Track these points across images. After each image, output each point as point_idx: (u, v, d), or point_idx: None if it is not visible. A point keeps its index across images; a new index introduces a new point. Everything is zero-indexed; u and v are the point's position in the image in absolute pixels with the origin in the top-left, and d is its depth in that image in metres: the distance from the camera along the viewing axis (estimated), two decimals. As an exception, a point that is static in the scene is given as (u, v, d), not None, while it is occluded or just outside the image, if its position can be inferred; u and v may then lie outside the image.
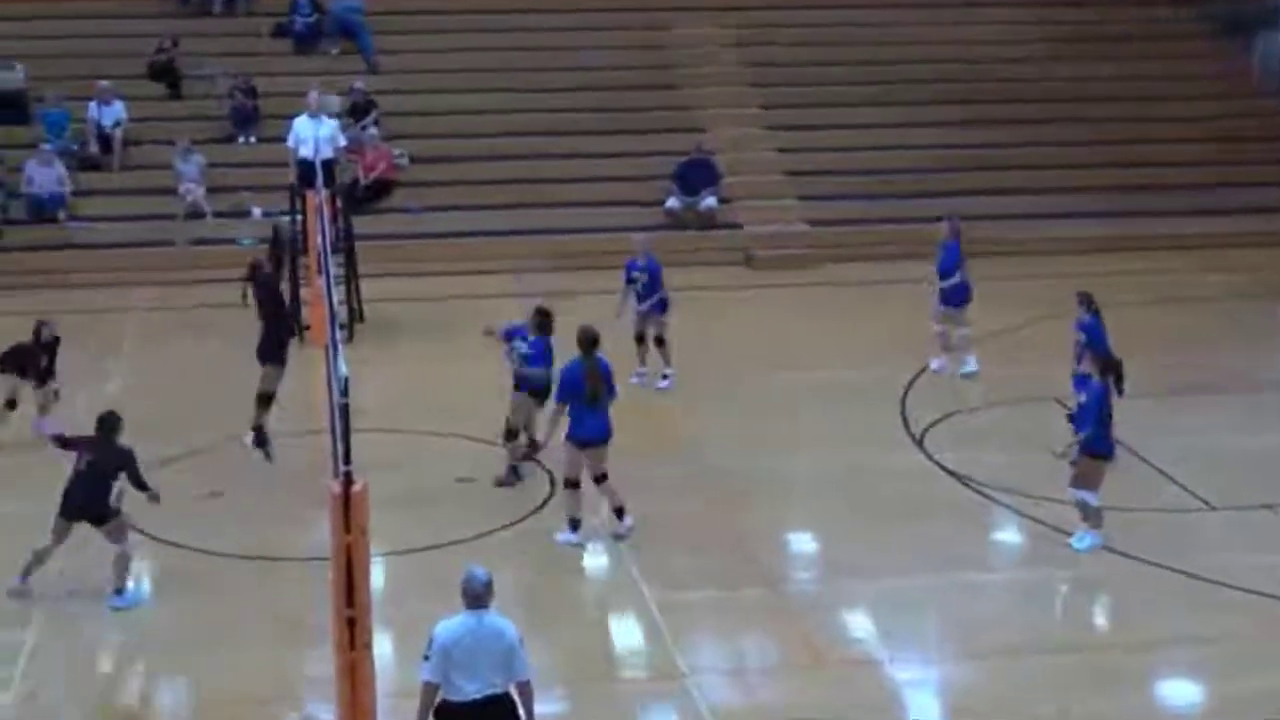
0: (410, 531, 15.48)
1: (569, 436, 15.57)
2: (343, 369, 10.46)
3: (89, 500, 14.29)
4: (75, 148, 27.49)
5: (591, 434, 15.47)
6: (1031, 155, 29.38)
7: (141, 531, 15.26)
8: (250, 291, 17.91)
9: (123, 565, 14.34)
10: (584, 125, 29.07)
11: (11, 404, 18.32)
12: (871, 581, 14.85)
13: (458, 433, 18.47)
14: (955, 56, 30.94)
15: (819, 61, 30.79)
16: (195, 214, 26.60)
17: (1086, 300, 18.04)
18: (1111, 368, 15.78)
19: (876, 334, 22.57)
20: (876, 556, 15.36)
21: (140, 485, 14.50)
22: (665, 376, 20.18)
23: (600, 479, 15.61)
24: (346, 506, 9.95)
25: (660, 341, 20.26)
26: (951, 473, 17.41)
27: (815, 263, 26.75)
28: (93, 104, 27.61)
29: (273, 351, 17.56)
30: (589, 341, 15.58)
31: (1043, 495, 16.29)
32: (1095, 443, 15.30)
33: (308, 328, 21.59)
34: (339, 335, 13.34)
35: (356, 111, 27.72)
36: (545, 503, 16.62)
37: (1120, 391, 15.80)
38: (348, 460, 9.99)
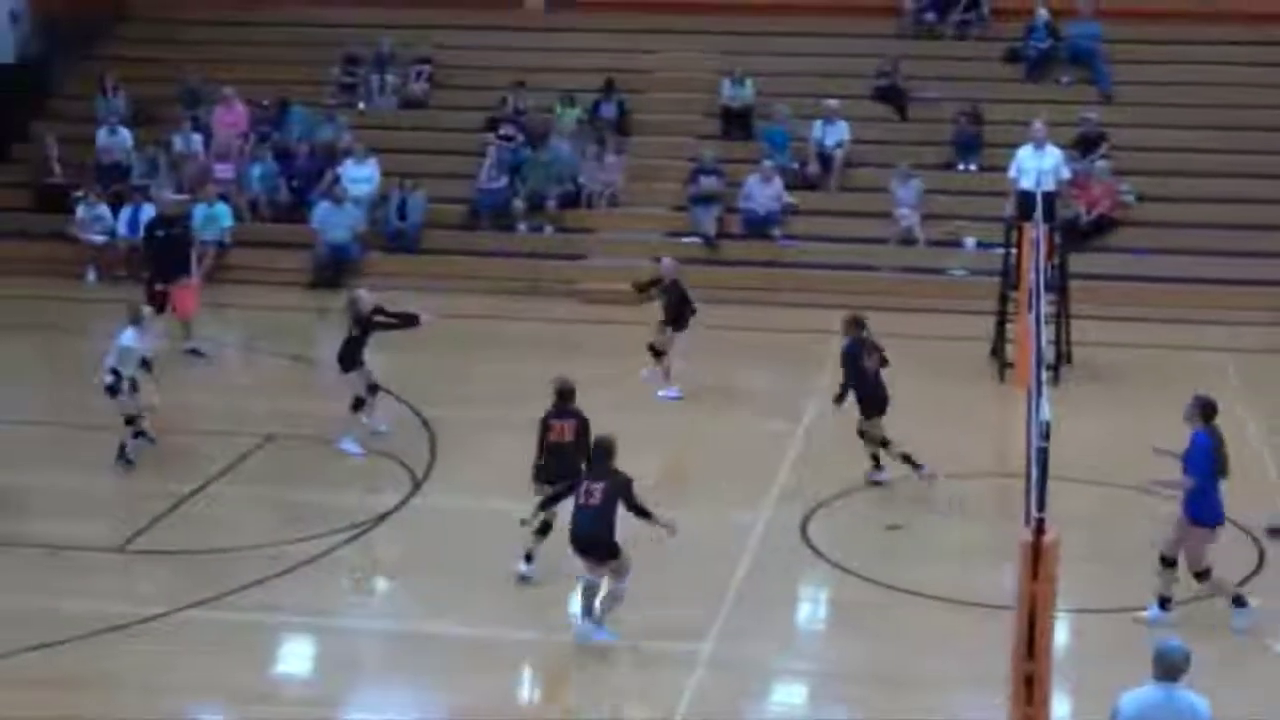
0: (1097, 591, 14.60)
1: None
2: (1045, 412, 10.47)
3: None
4: (795, 166, 27.52)
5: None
6: None
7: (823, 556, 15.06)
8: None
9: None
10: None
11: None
12: None
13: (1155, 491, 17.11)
14: None
15: None
16: (907, 240, 26.13)
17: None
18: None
19: None
20: None
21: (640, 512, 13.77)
22: None
23: None
24: (1036, 555, 9.82)
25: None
26: None
27: None
28: (817, 123, 27.61)
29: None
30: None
31: None
32: None
33: (1010, 365, 20.96)
34: (1044, 376, 12.88)
35: (1085, 143, 26.49)
36: (1250, 576, 15.32)
37: None
38: (1041, 508, 9.84)
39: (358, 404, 18.84)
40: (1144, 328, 23.53)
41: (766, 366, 21.96)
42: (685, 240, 26.85)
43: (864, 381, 17.36)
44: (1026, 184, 22.37)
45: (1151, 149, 27.48)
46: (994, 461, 18.34)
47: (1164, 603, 14.26)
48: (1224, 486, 14.18)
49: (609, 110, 28.77)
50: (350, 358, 18.82)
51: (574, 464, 14.67)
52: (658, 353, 20.91)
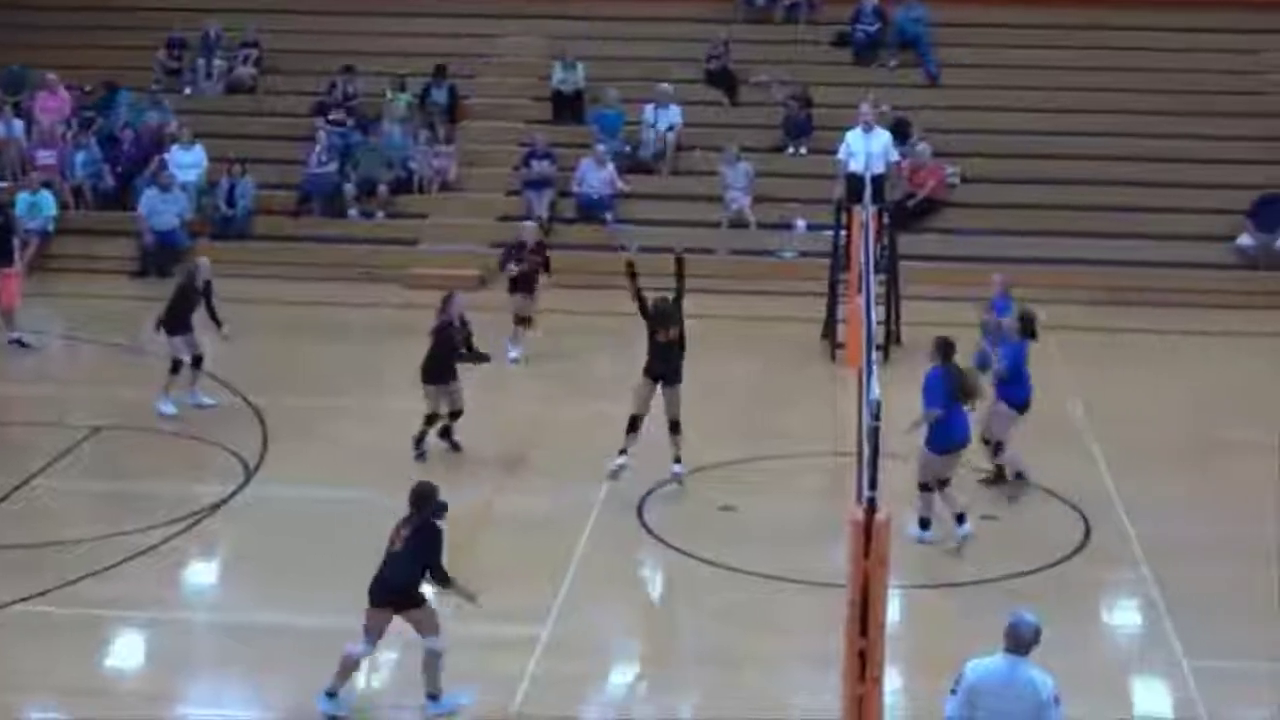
0: (928, 565, 14.96)
1: None
2: (876, 392, 10.52)
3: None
4: (627, 150, 27.57)
5: None
6: None
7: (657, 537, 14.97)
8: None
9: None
10: (1147, 151, 27.43)
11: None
12: None
13: (986, 466, 17.49)
14: None
15: None
16: (738, 223, 26.29)
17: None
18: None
19: None
20: None
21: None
22: None
23: None
24: (868, 534, 9.81)
25: None
26: None
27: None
28: (649, 107, 27.66)
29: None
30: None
31: None
32: None
33: (842, 346, 21.14)
34: (874, 356, 12.96)
35: (897, 131, 26.61)
36: (1078, 549, 15.72)
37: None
38: (873, 486, 9.84)
39: (176, 366, 18.97)
40: (971, 307, 23.83)
41: (601, 349, 21.97)
42: (518, 224, 26.77)
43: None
44: (855, 167, 22.50)
45: (977, 131, 27.87)
46: (826, 441, 18.50)
47: (924, 523, 15.74)
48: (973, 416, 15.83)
49: (440, 95, 28.60)
50: (176, 321, 18.88)
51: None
52: (524, 319, 21.38)
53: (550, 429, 18.65)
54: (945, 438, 15.53)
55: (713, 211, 26.48)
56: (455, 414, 17.92)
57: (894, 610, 12.56)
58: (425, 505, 12.52)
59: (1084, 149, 27.43)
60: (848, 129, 23.51)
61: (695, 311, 19.04)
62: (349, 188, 27.02)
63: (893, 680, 11.88)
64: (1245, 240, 25.80)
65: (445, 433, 17.92)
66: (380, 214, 27.13)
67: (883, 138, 23.39)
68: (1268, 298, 24.87)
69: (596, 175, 26.73)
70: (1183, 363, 22.00)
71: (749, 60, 29.19)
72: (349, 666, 12.42)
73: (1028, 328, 17.05)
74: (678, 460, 16.89)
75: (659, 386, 16.76)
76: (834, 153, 23.78)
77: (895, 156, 23.81)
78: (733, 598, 14.67)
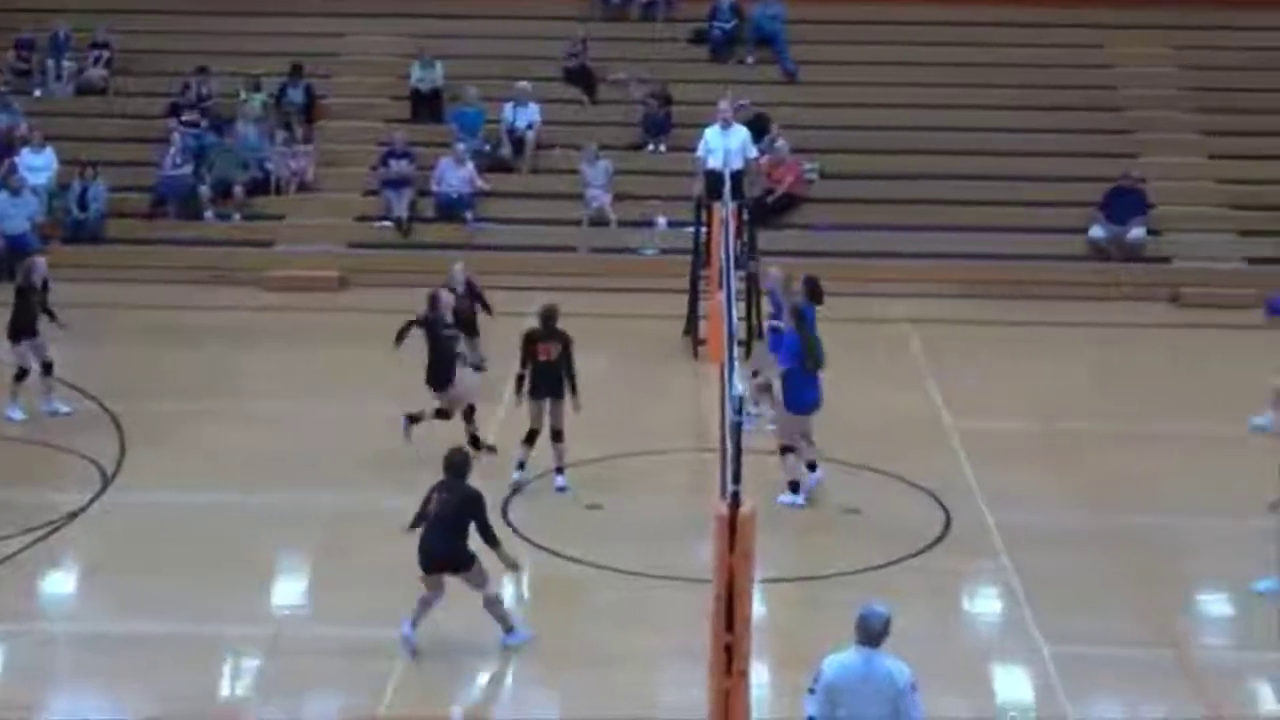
0: (795, 559, 15.07)
1: None
2: (738, 387, 10.59)
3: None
4: (487, 148, 27.48)
5: None
6: None
7: (524, 537, 15.14)
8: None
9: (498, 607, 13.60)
10: (1002, 145, 27.83)
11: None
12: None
13: (849, 460, 17.69)
14: None
15: (1267, 87, 28.69)
16: (599, 221, 26.30)
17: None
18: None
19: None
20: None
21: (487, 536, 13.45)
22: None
23: None
24: (733, 529, 9.86)
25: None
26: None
27: (1252, 304, 24.77)
28: (507, 105, 27.59)
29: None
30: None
31: None
32: None
33: (703, 343, 21.23)
34: (736, 352, 12.98)
35: (754, 127, 26.72)
36: (939, 539, 15.87)
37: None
38: (737, 481, 9.89)
39: (21, 374, 18.73)
40: (832, 302, 23.97)
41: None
42: (377, 225, 26.66)
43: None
44: (714, 163, 22.58)
45: (835, 127, 28.08)
46: (690, 437, 18.53)
47: (794, 487, 16.48)
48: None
49: (296, 94, 28.32)
50: (17, 328, 18.66)
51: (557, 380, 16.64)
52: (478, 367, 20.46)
53: (420, 430, 18.52)
54: (799, 398, 16.43)
55: (573, 209, 26.46)
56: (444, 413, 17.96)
57: (759, 604, 12.59)
58: (464, 472, 13.37)
59: (940, 144, 27.74)
60: (706, 126, 23.61)
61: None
62: (204, 189, 26.67)
63: (759, 674, 11.93)
64: (1097, 232, 26.20)
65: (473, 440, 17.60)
66: (236, 216, 26.82)
67: (740, 134, 23.50)
68: (1120, 288, 25.31)
69: (456, 174, 26.61)
70: (1039, 354, 22.29)
71: (607, 58, 29.18)
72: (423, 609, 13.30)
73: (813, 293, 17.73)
74: (560, 470, 16.95)
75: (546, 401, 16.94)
76: (693, 150, 23.89)
77: (753, 153, 23.94)
78: (601, 595, 14.67)
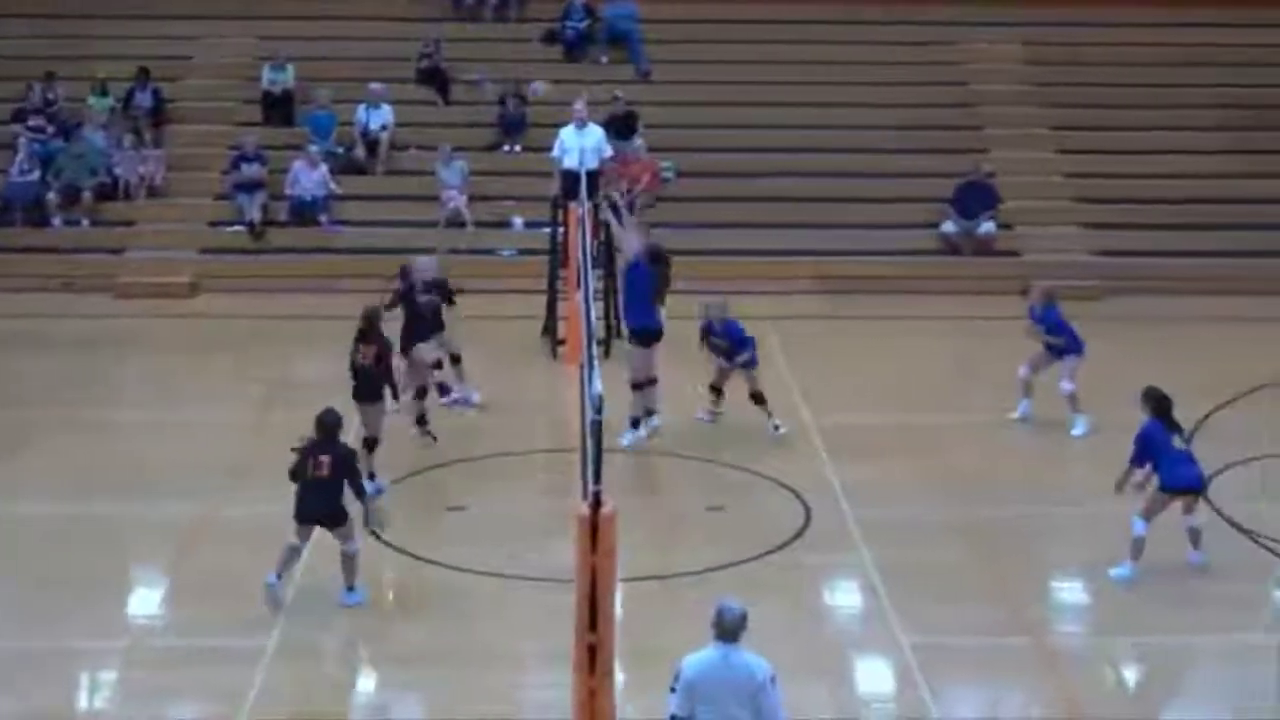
0: (657, 557, 15.04)
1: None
2: (597, 387, 10.59)
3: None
4: (340, 151, 27.27)
5: None
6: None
7: (382, 540, 15.08)
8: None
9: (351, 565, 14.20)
10: (855, 143, 28.08)
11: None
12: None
13: (712, 458, 17.80)
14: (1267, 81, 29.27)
15: (1115, 82, 29.23)
16: (456, 222, 26.17)
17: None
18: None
19: (1164, 376, 20.93)
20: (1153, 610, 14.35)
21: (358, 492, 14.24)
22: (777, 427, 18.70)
23: None
24: (594, 529, 9.87)
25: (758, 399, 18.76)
26: (1237, 526, 16.07)
27: (1099, 295, 25.17)
28: (360, 107, 27.40)
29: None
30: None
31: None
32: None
33: (563, 343, 21.22)
34: (595, 352, 12.91)
35: (619, 123, 26.81)
36: (799, 534, 15.99)
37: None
38: (598, 480, 9.90)
39: None
40: (688, 300, 24.07)
41: (321, 353, 21.60)
42: (229, 229, 26.34)
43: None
44: (570, 163, 22.56)
45: (690, 126, 28.19)
46: (551, 438, 18.54)
47: (635, 423, 18.06)
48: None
49: (144, 98, 27.89)
50: None
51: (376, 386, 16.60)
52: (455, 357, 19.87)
53: (271, 435, 18.31)
54: (646, 331, 18.12)
55: (429, 211, 26.31)
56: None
57: (622, 603, 12.60)
58: (337, 433, 14.10)
59: (794, 141, 27.93)
60: (562, 126, 23.59)
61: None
62: (52, 196, 26.23)
63: (622, 673, 11.91)
64: (948, 227, 26.53)
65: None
66: (85, 222, 26.38)
67: (596, 134, 23.49)
68: (971, 282, 25.56)
69: (309, 177, 26.38)
70: (895, 349, 22.51)
71: (461, 59, 29.07)
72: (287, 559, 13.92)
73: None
74: (370, 475, 16.54)
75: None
76: (549, 150, 23.85)
77: (609, 152, 23.93)
78: (463, 597, 14.57)
